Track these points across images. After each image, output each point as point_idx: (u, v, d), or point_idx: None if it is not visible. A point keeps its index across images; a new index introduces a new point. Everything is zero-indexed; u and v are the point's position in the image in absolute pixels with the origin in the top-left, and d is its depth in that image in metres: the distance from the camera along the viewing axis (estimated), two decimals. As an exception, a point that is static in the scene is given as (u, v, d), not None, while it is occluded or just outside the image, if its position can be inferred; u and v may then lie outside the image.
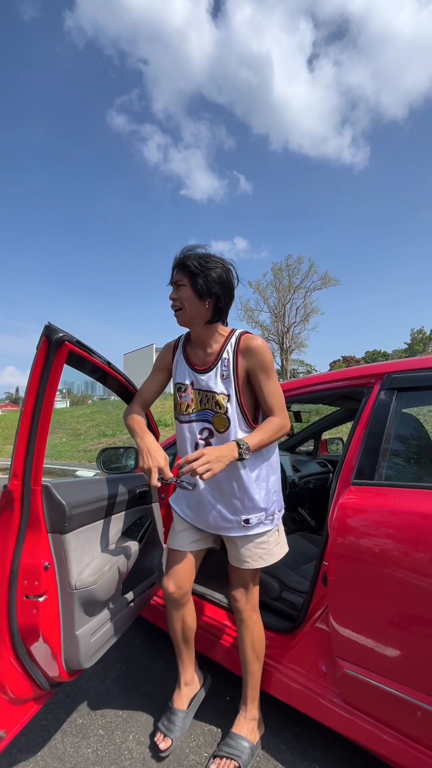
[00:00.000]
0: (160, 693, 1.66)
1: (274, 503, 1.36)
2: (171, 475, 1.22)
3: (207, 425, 1.31)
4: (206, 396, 1.30)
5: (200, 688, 1.52)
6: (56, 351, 1.10)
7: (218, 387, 1.28)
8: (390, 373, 1.41)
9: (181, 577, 1.41)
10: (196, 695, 1.50)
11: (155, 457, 1.21)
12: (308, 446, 3.23)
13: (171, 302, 1.31)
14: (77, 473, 7.34)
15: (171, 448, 2.03)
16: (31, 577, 1.12)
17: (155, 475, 1.19)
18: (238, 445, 1.21)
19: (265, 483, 1.34)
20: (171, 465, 1.93)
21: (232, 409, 1.27)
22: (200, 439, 1.32)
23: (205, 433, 1.31)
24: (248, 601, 1.39)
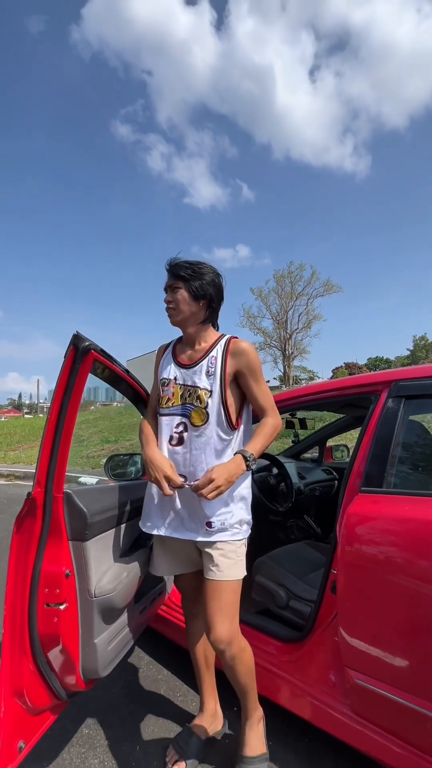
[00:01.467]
0: (166, 703, 1.64)
1: (241, 510, 1.30)
2: (179, 481, 1.23)
3: (183, 419, 1.30)
4: (188, 390, 1.31)
5: (219, 731, 1.46)
6: (83, 359, 1.12)
7: (201, 382, 1.30)
8: (397, 380, 1.42)
9: (192, 591, 1.42)
10: (214, 733, 1.44)
11: (159, 467, 1.23)
12: (313, 453, 3.22)
13: (166, 305, 1.35)
14: (80, 479, 7.32)
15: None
16: (52, 585, 1.12)
17: (165, 485, 1.22)
18: (245, 458, 1.23)
19: (230, 489, 1.25)
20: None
21: (213, 405, 1.27)
22: (175, 432, 1.31)
23: (180, 428, 1.31)
24: (230, 629, 1.24)
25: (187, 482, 1.27)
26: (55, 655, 1.15)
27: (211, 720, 1.44)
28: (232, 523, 1.28)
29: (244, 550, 1.33)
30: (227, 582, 1.25)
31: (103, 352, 1.22)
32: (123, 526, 1.41)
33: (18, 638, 1.12)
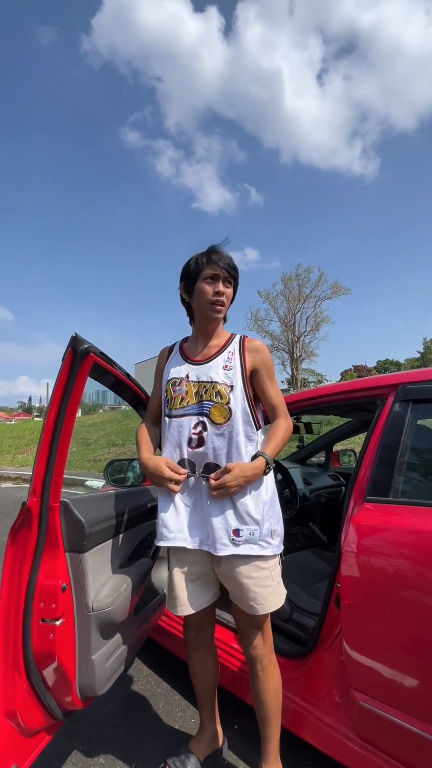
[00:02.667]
0: (164, 719, 1.58)
1: (270, 519, 1.20)
2: (181, 476, 1.19)
3: (201, 418, 1.21)
4: (204, 386, 1.22)
5: (218, 750, 1.39)
6: (81, 362, 1.08)
7: (219, 377, 1.23)
8: (404, 383, 1.35)
9: (199, 622, 1.31)
10: (213, 753, 1.37)
11: (154, 471, 1.20)
12: (320, 458, 3.15)
13: (217, 296, 1.25)
14: (86, 483, 7.31)
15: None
16: (48, 600, 1.07)
17: (171, 485, 1.19)
18: (267, 462, 1.18)
19: (258, 490, 1.20)
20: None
21: (236, 400, 1.20)
22: (193, 433, 1.21)
23: (199, 428, 1.21)
24: (266, 643, 1.24)
25: (199, 474, 1.21)
26: (50, 673, 1.10)
27: (210, 740, 1.37)
28: (262, 535, 1.17)
29: (279, 570, 1.23)
30: (267, 614, 1.20)
31: (102, 355, 1.18)
32: (122, 535, 1.36)
33: (11, 656, 1.06)
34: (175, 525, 1.21)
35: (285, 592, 1.26)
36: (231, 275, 1.27)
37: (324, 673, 1.32)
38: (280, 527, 1.25)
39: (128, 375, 1.41)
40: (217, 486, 1.15)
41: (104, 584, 1.19)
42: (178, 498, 1.22)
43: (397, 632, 1.09)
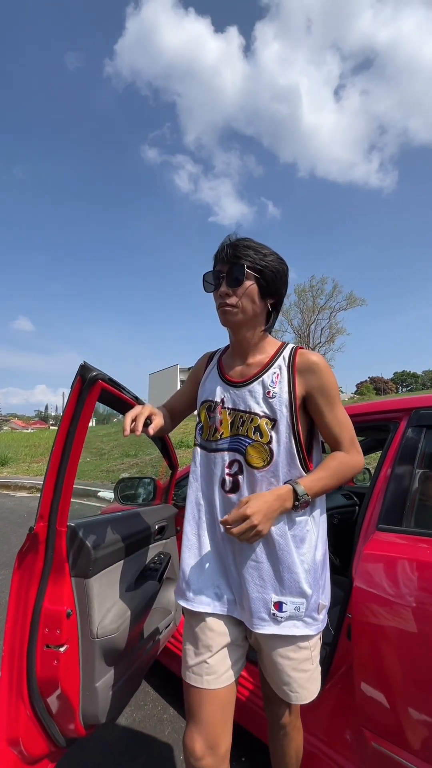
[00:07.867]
0: (169, 748, 1.55)
1: (319, 589, 0.99)
2: (139, 427, 1.01)
3: (237, 457, 0.99)
4: (241, 418, 0.99)
5: None
6: (90, 390, 1.09)
7: (260, 407, 0.98)
8: (418, 408, 1.32)
9: (216, 730, 0.93)
10: None
11: (135, 409, 1.03)
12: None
13: (220, 299, 1.01)
14: (99, 494, 7.34)
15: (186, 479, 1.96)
16: (53, 626, 1.07)
17: (127, 422, 1.00)
18: (296, 493, 0.92)
19: (310, 553, 0.97)
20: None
21: (281, 440, 0.95)
22: (228, 474, 1.00)
23: (235, 468, 0.99)
24: (292, 712, 1.10)
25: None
26: (53, 700, 1.09)
27: None
28: (309, 610, 0.96)
29: (319, 648, 1.03)
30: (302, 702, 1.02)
31: (110, 381, 1.18)
32: (131, 557, 1.35)
33: (15, 681, 1.07)
34: (198, 583, 1.01)
35: (319, 677, 1.08)
36: (235, 265, 0.97)
37: (335, 709, 1.27)
38: (327, 597, 1.04)
39: (136, 398, 1.41)
40: (236, 519, 0.88)
41: (109, 610, 1.18)
42: (207, 550, 1.02)
43: (408, 670, 1.04)
